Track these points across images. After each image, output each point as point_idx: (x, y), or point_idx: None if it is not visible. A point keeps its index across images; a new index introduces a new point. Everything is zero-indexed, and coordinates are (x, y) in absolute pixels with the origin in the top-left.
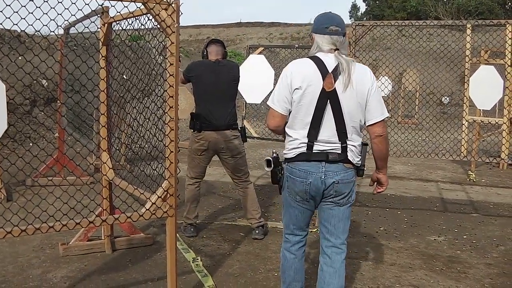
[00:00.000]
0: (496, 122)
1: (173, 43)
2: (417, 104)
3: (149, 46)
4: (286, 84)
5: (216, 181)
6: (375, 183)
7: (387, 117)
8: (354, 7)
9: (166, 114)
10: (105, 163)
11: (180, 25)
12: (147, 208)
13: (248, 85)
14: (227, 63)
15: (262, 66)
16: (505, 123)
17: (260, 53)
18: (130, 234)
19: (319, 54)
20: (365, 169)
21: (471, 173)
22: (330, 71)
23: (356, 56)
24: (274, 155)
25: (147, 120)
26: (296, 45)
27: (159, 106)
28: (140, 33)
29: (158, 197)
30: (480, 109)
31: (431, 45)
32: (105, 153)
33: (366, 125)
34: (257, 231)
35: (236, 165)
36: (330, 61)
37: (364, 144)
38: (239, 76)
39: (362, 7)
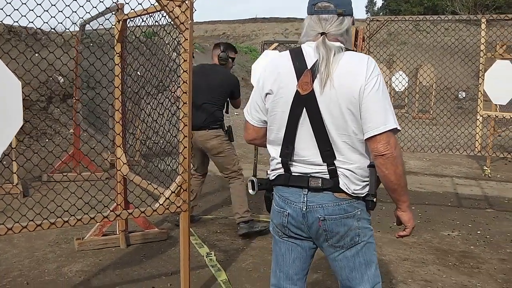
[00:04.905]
0: (511, 117)
1: (187, 39)
2: (432, 99)
3: (163, 42)
4: (258, 88)
5: None
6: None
7: (395, 129)
8: (371, 2)
9: (180, 109)
10: (120, 158)
11: (194, 21)
12: (160, 203)
13: None
14: (223, 71)
15: None
16: None
17: (274, 48)
18: (144, 229)
19: (306, 44)
20: (374, 199)
21: (486, 168)
22: (309, 66)
23: (370, 51)
24: (267, 176)
25: (161, 116)
26: None
27: (173, 102)
28: (154, 30)
29: (172, 192)
30: (496, 104)
31: (446, 39)
32: (119, 148)
33: (364, 139)
34: (239, 227)
35: (218, 164)
36: (312, 52)
37: (371, 166)
38: (229, 84)
39: (379, 2)
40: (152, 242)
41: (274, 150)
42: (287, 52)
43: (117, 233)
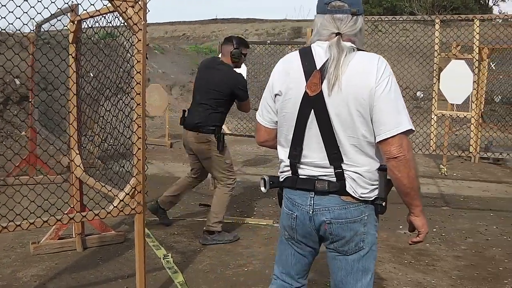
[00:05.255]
0: (465, 116)
1: (140, 40)
2: None
3: (118, 44)
4: (268, 89)
5: None
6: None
7: (409, 131)
8: None
9: (133, 111)
10: (73, 160)
11: (154, 22)
12: (114, 205)
13: None
14: (226, 70)
15: None
16: (473, 117)
17: None
18: (101, 231)
19: (316, 43)
20: (384, 203)
21: (443, 167)
22: (318, 67)
23: None
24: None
25: (115, 117)
26: (268, 41)
27: (126, 103)
28: (109, 31)
29: (126, 194)
30: (452, 104)
31: (401, 40)
32: (73, 151)
33: (376, 142)
34: (203, 235)
35: (206, 168)
36: (322, 52)
37: (380, 169)
38: (229, 85)
39: None
40: (109, 245)
41: (283, 152)
42: (297, 52)
43: (74, 236)
